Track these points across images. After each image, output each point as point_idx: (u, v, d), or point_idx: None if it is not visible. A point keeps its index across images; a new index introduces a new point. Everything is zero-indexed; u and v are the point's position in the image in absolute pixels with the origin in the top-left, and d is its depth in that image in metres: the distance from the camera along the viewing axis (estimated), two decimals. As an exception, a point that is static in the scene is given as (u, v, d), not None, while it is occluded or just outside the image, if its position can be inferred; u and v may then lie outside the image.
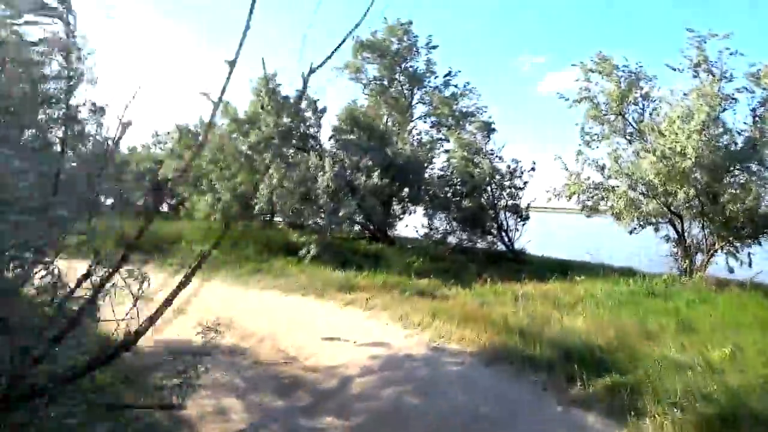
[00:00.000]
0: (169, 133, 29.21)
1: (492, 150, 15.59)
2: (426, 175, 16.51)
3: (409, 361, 6.07)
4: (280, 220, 13.14)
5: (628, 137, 12.43)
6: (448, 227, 15.59)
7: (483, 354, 6.19)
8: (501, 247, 16.16)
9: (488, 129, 15.54)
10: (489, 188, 15.11)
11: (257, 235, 13.86)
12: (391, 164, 14.33)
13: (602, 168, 11.61)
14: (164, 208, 23.25)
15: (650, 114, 11.89)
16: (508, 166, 15.50)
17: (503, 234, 15.70)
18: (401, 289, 9.57)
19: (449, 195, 15.65)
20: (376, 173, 12.93)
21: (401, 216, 17.40)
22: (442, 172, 16.39)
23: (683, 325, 7.13)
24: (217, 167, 15.10)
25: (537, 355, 5.92)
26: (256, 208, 12.90)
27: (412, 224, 17.74)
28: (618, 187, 11.27)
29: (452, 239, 16.06)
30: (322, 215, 12.77)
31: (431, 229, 16.10)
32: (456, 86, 18.29)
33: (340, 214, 12.13)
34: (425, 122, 18.37)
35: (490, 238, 16.11)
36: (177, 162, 17.71)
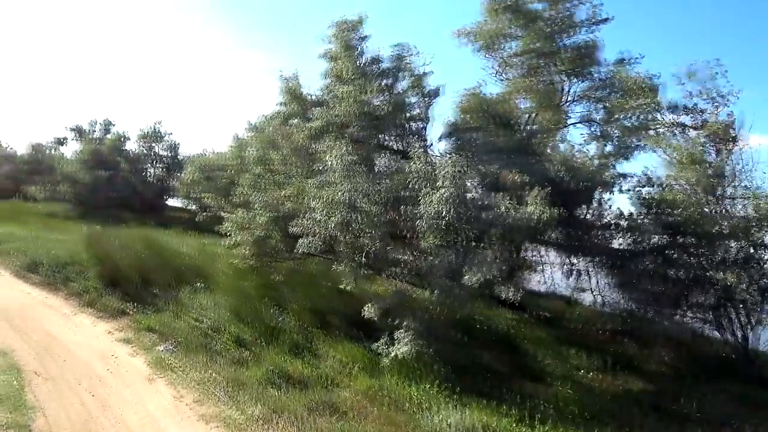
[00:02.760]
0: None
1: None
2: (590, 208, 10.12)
3: None
4: (342, 268, 7.24)
5: None
6: (637, 307, 8.71)
7: None
8: (705, 330, 9.20)
9: (728, 138, 8.42)
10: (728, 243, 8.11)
11: (308, 289, 8.01)
12: (552, 185, 7.96)
13: None
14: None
15: None
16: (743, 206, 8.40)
17: (738, 328, 8.60)
18: None
19: (638, 247, 8.92)
20: (532, 195, 6.67)
21: (538, 268, 11.08)
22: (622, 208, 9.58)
23: None
24: (265, 170, 9.67)
25: None
26: (300, 242, 7.10)
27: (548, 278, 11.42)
28: None
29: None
30: (433, 269, 6.57)
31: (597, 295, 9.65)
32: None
33: (465, 277, 5.80)
34: (590, 128, 11.13)
35: (691, 320, 9.09)
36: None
